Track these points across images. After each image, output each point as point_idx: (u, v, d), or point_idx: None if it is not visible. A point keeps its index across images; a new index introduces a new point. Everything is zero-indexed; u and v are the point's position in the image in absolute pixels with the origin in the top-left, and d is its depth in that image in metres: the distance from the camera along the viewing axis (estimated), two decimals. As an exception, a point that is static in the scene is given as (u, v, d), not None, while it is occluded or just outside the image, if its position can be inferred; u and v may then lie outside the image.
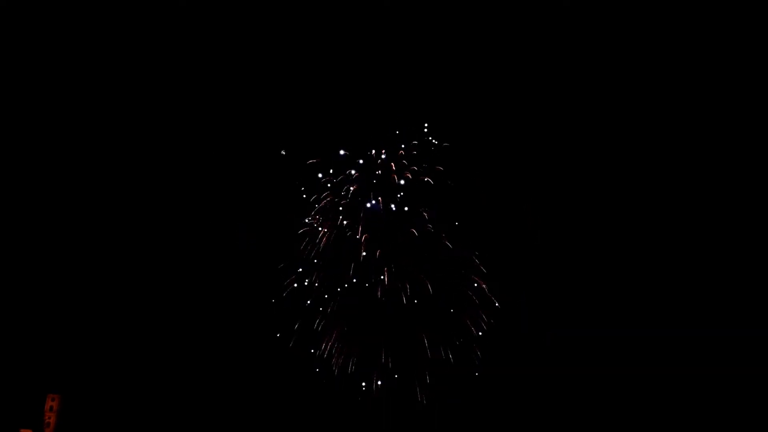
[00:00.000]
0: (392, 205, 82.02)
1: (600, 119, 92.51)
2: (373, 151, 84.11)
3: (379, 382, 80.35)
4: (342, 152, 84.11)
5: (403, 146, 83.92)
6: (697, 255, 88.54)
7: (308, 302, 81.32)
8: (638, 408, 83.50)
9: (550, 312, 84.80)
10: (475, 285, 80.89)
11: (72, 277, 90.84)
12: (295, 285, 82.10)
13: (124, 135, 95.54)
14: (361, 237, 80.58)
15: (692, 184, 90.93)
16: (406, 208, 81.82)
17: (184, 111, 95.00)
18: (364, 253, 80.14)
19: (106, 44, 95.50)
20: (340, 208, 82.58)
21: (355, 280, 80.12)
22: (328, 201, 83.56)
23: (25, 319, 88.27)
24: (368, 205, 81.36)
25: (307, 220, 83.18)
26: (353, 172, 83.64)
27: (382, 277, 79.42)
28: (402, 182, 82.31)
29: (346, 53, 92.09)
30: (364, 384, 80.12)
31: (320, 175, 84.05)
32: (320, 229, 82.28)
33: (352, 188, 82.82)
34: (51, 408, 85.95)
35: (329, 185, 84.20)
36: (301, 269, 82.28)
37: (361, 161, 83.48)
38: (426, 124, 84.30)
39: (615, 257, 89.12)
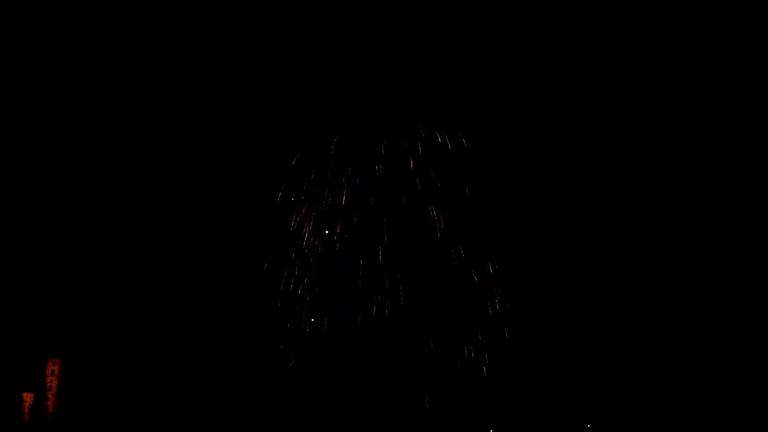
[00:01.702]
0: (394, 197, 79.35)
1: (600, 121, 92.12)
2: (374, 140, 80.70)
3: (379, 382, 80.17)
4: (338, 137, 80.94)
5: (405, 139, 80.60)
6: (696, 254, 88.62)
7: (304, 302, 79.88)
8: (638, 408, 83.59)
9: (549, 311, 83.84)
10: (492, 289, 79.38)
11: (72, 260, 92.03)
12: (291, 284, 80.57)
13: (126, 137, 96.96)
14: (361, 233, 78.26)
15: (691, 185, 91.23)
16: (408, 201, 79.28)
17: (184, 112, 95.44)
18: (362, 249, 78.02)
19: (106, 45, 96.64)
20: (337, 202, 79.96)
21: (353, 278, 78.29)
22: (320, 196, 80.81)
23: (26, 286, 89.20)
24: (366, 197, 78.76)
25: (300, 223, 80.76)
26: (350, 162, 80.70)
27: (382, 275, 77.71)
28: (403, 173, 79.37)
29: (345, 54, 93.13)
30: (364, 384, 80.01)
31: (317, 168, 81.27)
32: (311, 227, 79.82)
33: (346, 180, 79.92)
34: (53, 372, 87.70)
35: (324, 178, 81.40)
36: (295, 268, 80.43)
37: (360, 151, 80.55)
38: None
39: (615, 256, 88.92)
